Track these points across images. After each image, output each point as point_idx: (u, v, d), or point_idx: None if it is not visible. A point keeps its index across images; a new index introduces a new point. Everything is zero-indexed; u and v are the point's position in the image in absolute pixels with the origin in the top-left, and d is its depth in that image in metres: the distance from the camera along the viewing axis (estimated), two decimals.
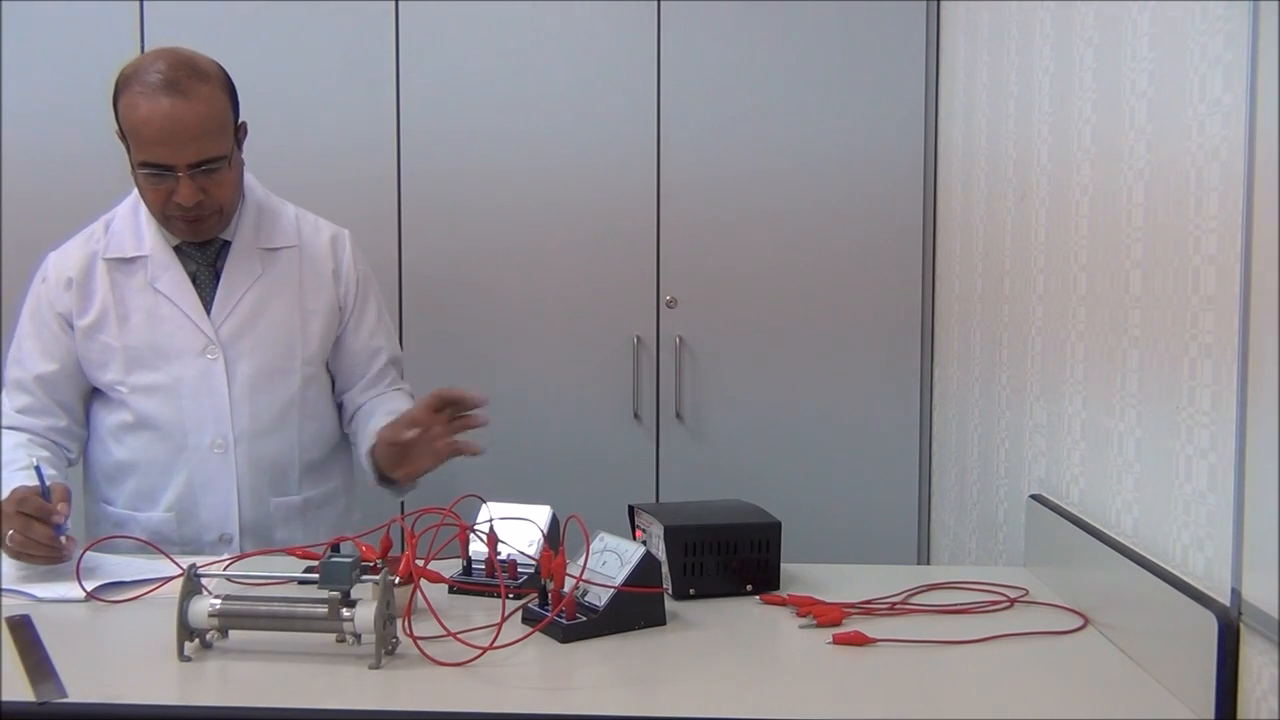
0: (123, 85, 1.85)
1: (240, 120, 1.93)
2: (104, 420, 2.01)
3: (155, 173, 1.84)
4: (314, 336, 2.04)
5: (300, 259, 2.05)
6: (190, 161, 1.83)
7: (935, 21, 2.71)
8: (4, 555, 1.70)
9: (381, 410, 2.04)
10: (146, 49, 2.68)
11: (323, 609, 1.38)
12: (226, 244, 1.99)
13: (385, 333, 2.15)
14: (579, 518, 1.50)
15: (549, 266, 2.77)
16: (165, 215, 1.90)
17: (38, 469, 1.78)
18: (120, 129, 1.87)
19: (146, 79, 1.81)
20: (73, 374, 1.99)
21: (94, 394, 2.02)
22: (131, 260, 1.96)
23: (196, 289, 1.97)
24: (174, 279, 1.96)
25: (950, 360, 2.60)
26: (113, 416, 1.99)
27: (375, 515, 1.73)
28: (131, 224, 1.98)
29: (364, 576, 1.41)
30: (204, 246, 1.97)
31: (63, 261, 1.99)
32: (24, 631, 1.47)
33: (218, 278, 1.98)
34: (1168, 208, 1.43)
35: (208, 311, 1.97)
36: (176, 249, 1.97)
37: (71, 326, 1.96)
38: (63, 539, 1.69)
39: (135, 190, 1.98)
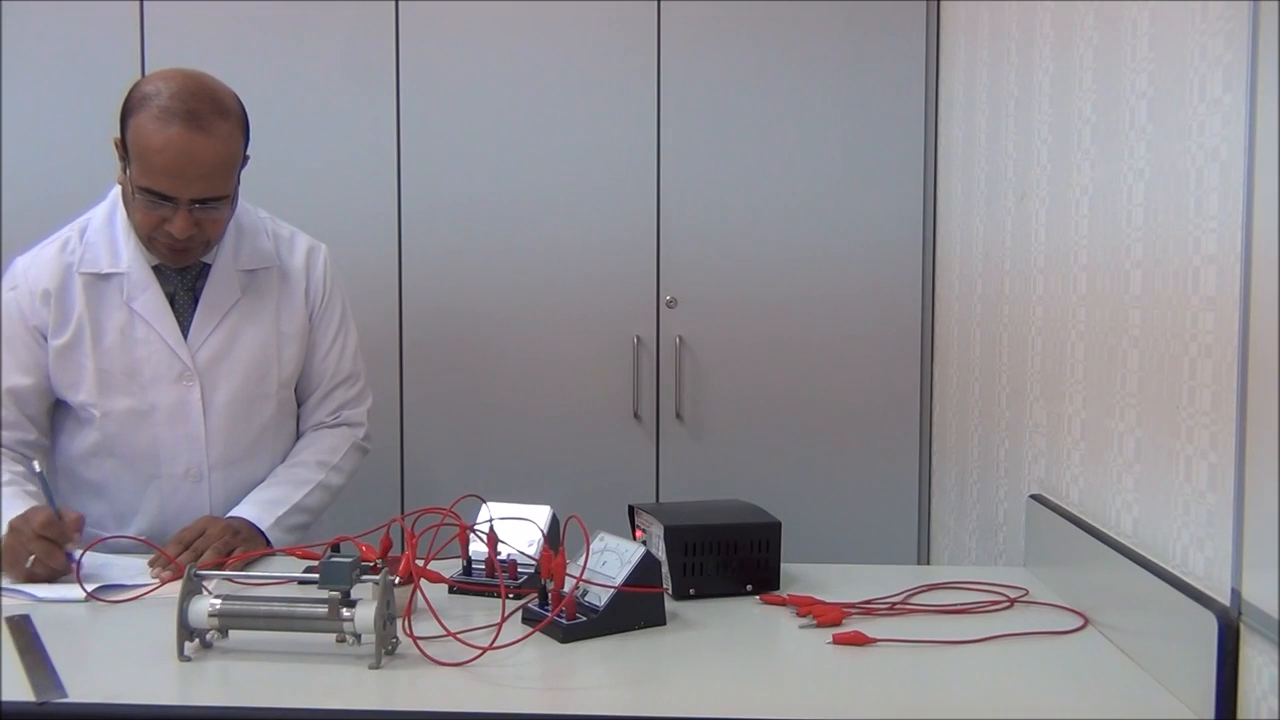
0: (138, 103, 1.77)
1: (245, 153, 1.87)
2: (74, 439, 1.95)
3: (154, 200, 1.78)
4: (289, 360, 2.01)
5: (277, 280, 2.00)
6: (194, 197, 1.77)
7: (935, 21, 2.71)
8: (3, 568, 1.70)
9: (288, 462, 2.03)
10: (147, 49, 2.70)
11: (323, 609, 1.38)
12: (206, 266, 1.93)
13: (339, 351, 2.07)
14: (579, 518, 1.50)
15: (549, 266, 2.77)
16: (151, 238, 1.84)
17: (47, 491, 1.78)
18: (123, 142, 1.80)
19: (166, 104, 1.74)
20: (45, 389, 1.92)
21: (62, 409, 1.95)
22: (107, 276, 1.89)
23: (174, 311, 1.91)
24: (151, 300, 1.90)
25: (950, 360, 2.60)
26: (83, 437, 1.93)
27: (375, 515, 1.73)
28: (107, 235, 1.91)
29: (364, 576, 1.41)
30: (184, 269, 1.92)
31: (37, 272, 1.90)
32: (24, 631, 1.47)
33: (196, 301, 1.93)
34: (1168, 208, 1.43)
35: (185, 336, 1.91)
36: (155, 268, 1.90)
37: (45, 340, 1.89)
38: (72, 565, 1.70)
39: (112, 196, 1.94)
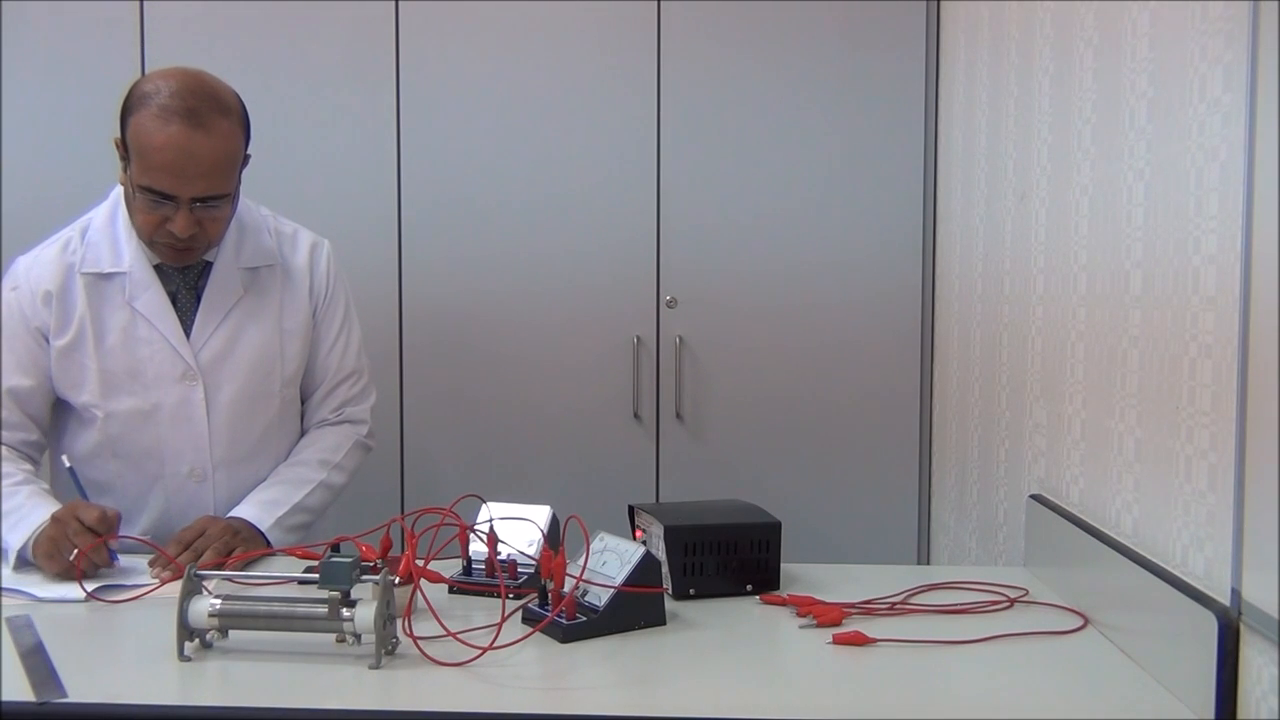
0: (138, 101, 1.77)
1: (246, 152, 1.87)
2: (77, 440, 1.94)
3: (154, 199, 1.78)
4: (292, 358, 2.00)
5: (280, 277, 1.99)
6: (194, 195, 1.77)
7: (935, 21, 2.71)
8: (41, 561, 1.70)
9: (290, 460, 2.02)
10: (147, 49, 2.70)
11: (323, 609, 1.38)
12: (208, 264, 1.92)
13: (343, 348, 2.07)
14: (579, 518, 1.50)
15: (550, 267, 2.77)
16: (152, 239, 1.84)
17: (80, 487, 1.79)
18: (124, 141, 1.80)
19: (166, 102, 1.74)
20: (46, 389, 1.91)
21: (65, 410, 1.95)
22: (109, 276, 1.89)
23: (176, 310, 1.90)
24: (153, 299, 1.89)
25: (950, 360, 2.60)
26: (86, 437, 1.93)
27: (375, 515, 1.73)
28: (109, 235, 1.90)
29: (364, 576, 1.41)
30: (185, 268, 1.91)
31: (39, 272, 1.90)
32: (24, 631, 1.47)
33: (198, 299, 1.92)
34: (1168, 208, 1.43)
35: (187, 335, 1.91)
36: (157, 267, 1.90)
37: (47, 341, 1.89)
38: (114, 563, 1.72)
39: (114, 196, 1.93)
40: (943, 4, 2.69)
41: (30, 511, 1.78)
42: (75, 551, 1.66)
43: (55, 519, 1.72)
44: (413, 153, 2.75)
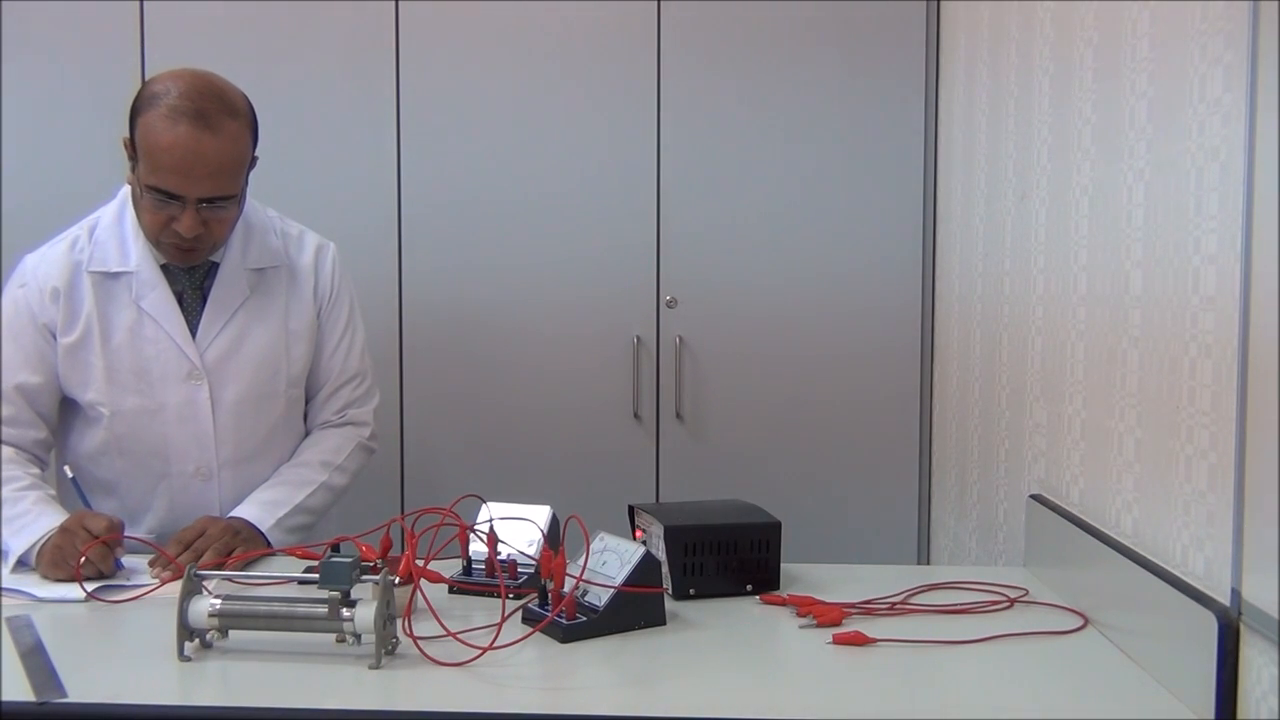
0: (147, 101, 1.78)
1: (254, 154, 1.88)
2: (83, 438, 1.95)
3: (161, 198, 1.78)
4: (298, 359, 2.01)
5: (286, 278, 2.00)
6: (201, 195, 1.78)
7: (935, 21, 2.71)
8: (45, 569, 1.70)
9: (292, 462, 2.02)
10: (147, 49, 2.70)
11: (323, 609, 1.38)
12: (214, 265, 1.93)
13: (346, 350, 2.07)
14: (579, 518, 1.50)
15: (550, 267, 2.77)
16: (158, 239, 1.84)
17: (81, 494, 1.79)
18: (132, 141, 1.80)
19: (174, 103, 1.75)
20: (55, 387, 1.92)
21: (71, 408, 1.96)
22: (116, 275, 1.90)
23: (183, 310, 1.91)
24: (160, 299, 1.90)
25: (950, 360, 2.60)
26: (92, 436, 1.94)
27: (375, 515, 1.73)
28: (116, 234, 1.91)
29: (364, 576, 1.41)
30: (192, 268, 1.92)
31: (46, 270, 1.90)
32: (24, 631, 1.47)
33: (204, 299, 1.93)
34: (1168, 208, 1.43)
35: (193, 335, 1.92)
36: (164, 267, 1.91)
37: (55, 338, 1.90)
38: (120, 571, 1.73)
39: (121, 195, 1.94)
40: (943, 4, 2.69)
41: (36, 519, 1.78)
42: (81, 557, 1.66)
43: (64, 529, 1.72)
44: (413, 153, 2.75)
